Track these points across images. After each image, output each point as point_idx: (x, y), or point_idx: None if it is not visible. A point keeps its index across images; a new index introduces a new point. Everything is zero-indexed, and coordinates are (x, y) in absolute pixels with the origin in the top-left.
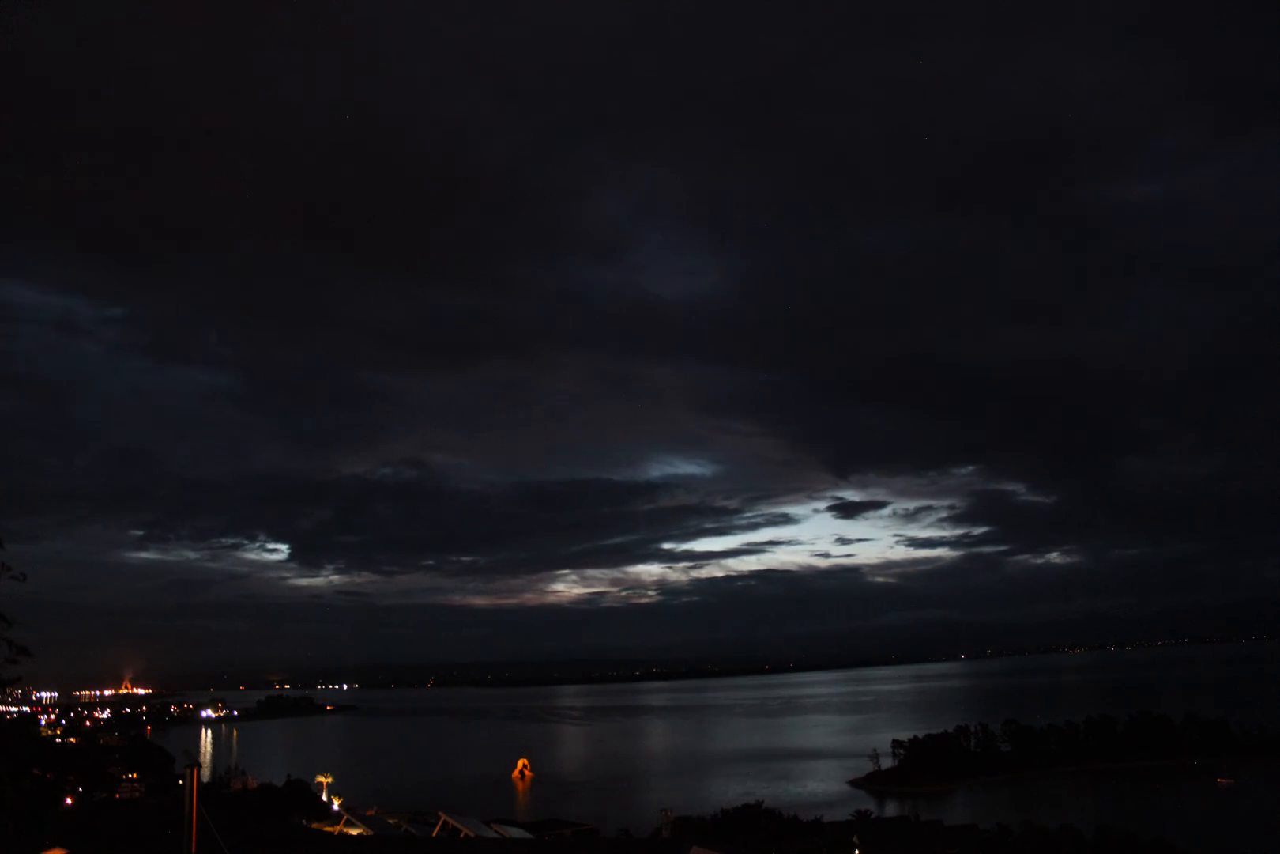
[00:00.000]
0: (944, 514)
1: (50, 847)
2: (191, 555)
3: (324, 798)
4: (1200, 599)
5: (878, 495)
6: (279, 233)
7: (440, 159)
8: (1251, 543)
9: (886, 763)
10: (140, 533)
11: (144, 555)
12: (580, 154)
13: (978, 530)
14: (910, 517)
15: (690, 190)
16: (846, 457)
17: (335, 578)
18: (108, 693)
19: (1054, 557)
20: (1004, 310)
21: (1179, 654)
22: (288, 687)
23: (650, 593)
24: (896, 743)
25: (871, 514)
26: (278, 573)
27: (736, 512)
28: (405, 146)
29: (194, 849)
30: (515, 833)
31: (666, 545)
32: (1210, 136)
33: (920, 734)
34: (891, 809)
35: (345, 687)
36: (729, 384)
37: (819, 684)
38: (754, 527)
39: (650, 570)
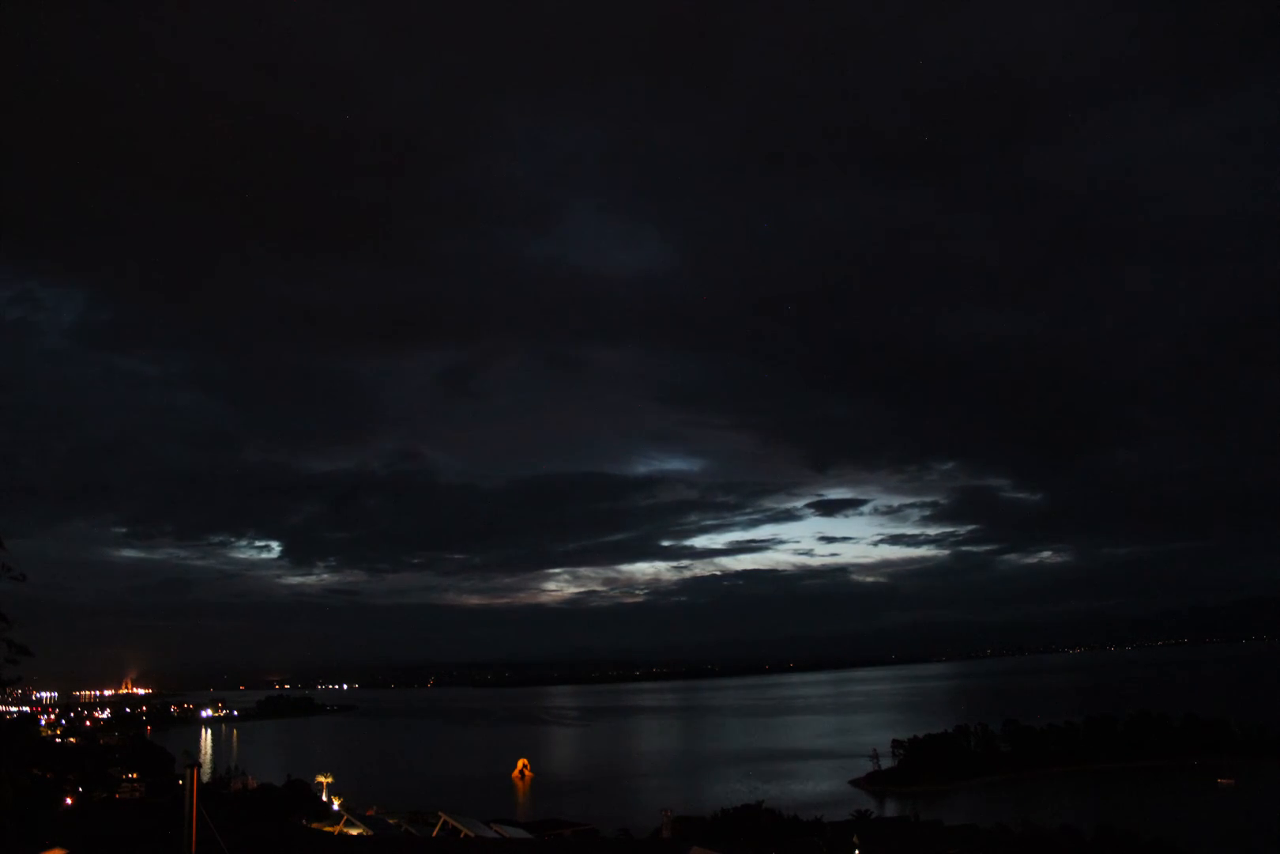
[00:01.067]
0: (928, 512)
1: (50, 847)
2: (178, 553)
3: (324, 798)
4: (1200, 599)
5: (857, 492)
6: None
7: (334, 117)
8: (1250, 541)
9: (886, 763)
10: (123, 530)
11: (128, 553)
12: (485, 111)
13: (963, 529)
14: (893, 514)
15: (614, 151)
16: (823, 451)
17: (327, 576)
18: (108, 693)
19: (1046, 556)
20: (973, 291)
21: (1179, 654)
22: (288, 687)
23: (639, 592)
24: (896, 743)
25: (851, 512)
26: (269, 571)
27: (726, 510)
28: (298, 104)
29: (194, 849)
30: (515, 833)
31: (661, 543)
32: (1181, 97)
33: (920, 734)
34: (891, 809)
35: (345, 687)
36: (689, 372)
37: (819, 684)
38: (742, 525)
39: (644, 569)
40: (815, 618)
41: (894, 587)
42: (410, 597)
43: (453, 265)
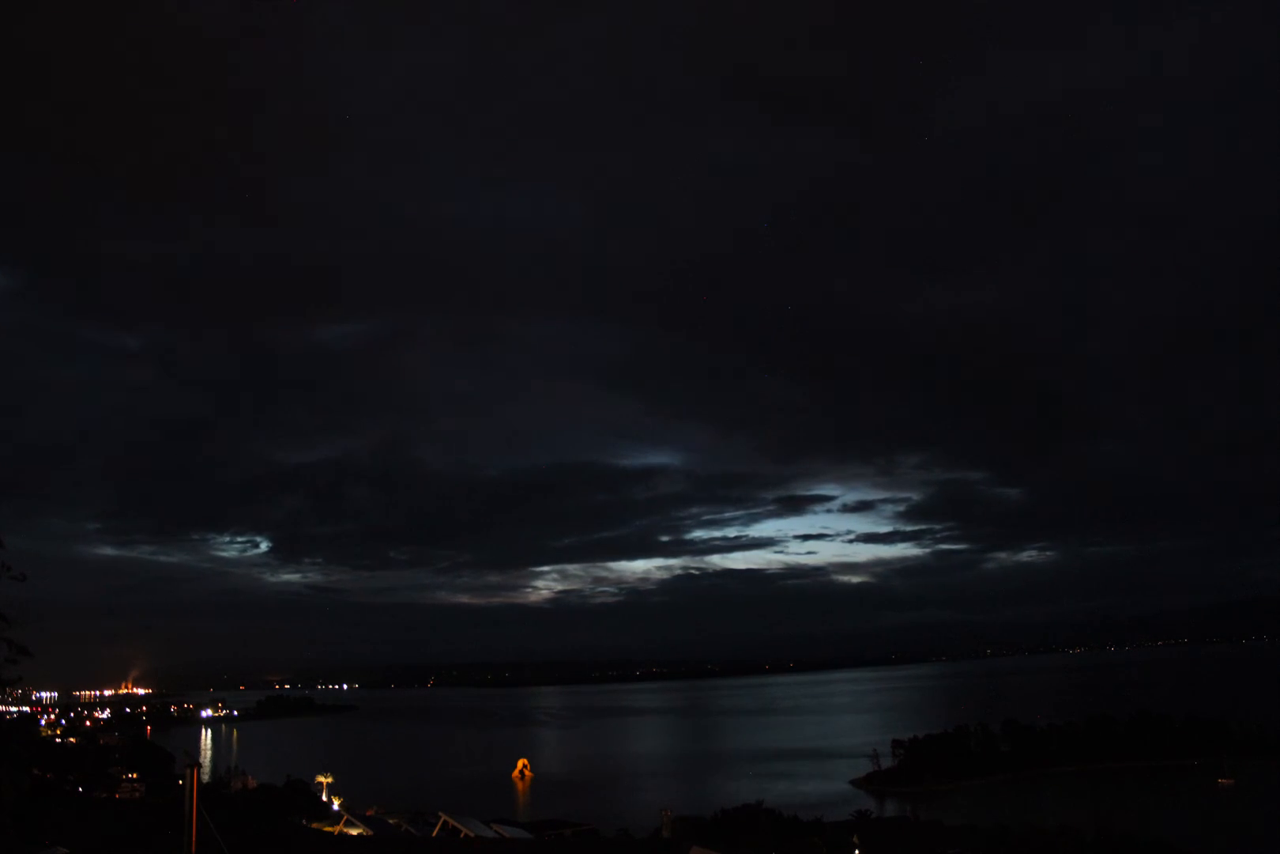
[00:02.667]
0: (900, 508)
1: (50, 847)
2: (157, 550)
3: (324, 798)
4: (1200, 599)
5: (823, 488)
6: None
7: (140, 53)
8: (1247, 538)
9: (886, 763)
10: (96, 526)
11: (104, 551)
12: (308, 30)
13: (939, 526)
14: (865, 511)
15: (470, 80)
16: (782, 443)
17: (313, 575)
18: (108, 693)
19: (1033, 555)
20: (921, 259)
21: (1179, 654)
22: (288, 686)
23: (622, 591)
24: (896, 743)
25: (819, 508)
26: (254, 569)
27: (695, 505)
28: (103, 44)
29: (194, 849)
30: (515, 833)
31: (650, 540)
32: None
33: (920, 734)
34: (891, 809)
35: (345, 687)
36: (620, 352)
37: (819, 684)
38: (720, 523)
39: (636, 567)
40: (814, 618)
41: (886, 586)
42: (401, 595)
43: (303, 218)
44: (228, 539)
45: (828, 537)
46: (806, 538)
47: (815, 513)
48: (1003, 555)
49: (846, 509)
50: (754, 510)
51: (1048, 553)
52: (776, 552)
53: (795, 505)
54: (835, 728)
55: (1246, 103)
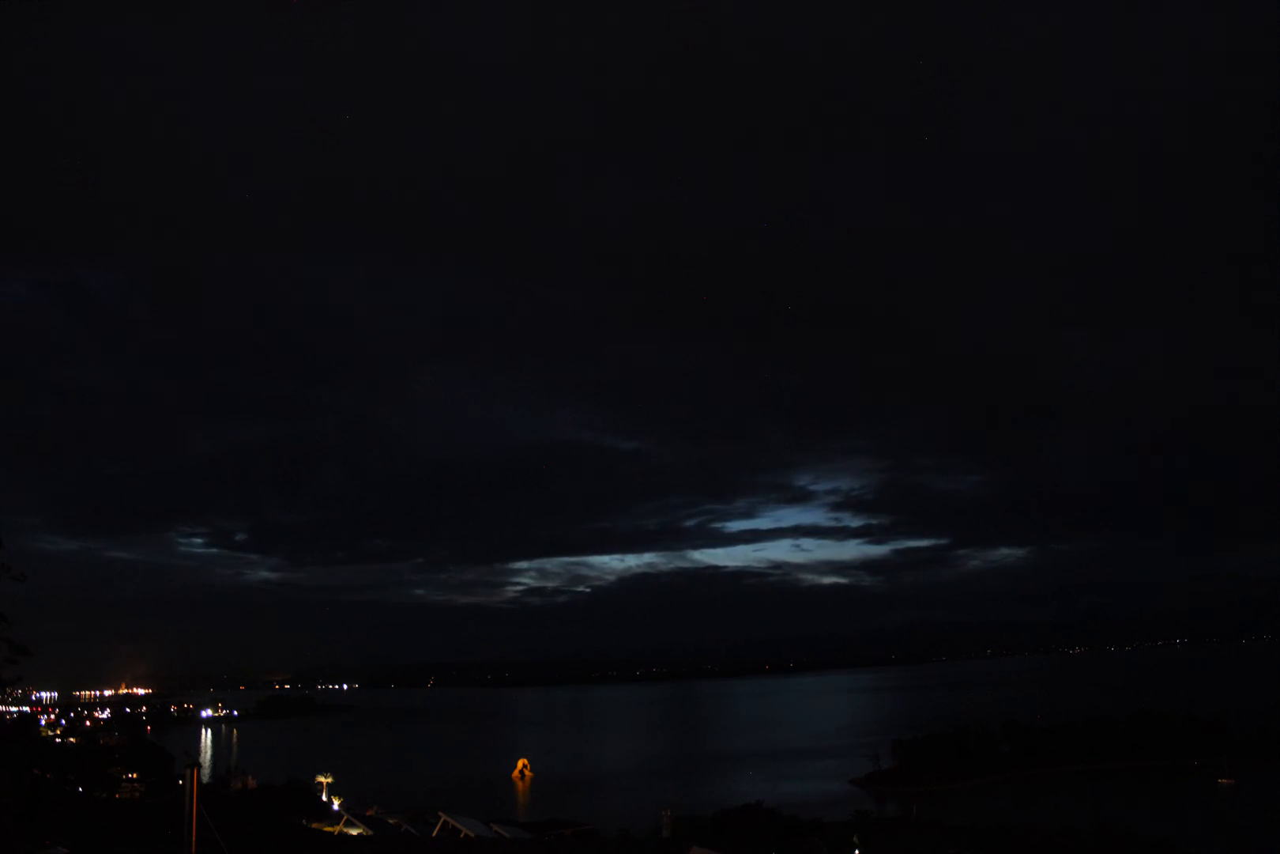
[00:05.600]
0: (839, 499)
1: (50, 847)
2: (112, 544)
3: (324, 798)
4: (1200, 599)
5: (757, 476)
6: None
7: None
8: (1242, 535)
9: (886, 763)
10: (36, 519)
11: (57, 546)
12: None
13: (892, 519)
14: (803, 502)
15: None
16: (694, 422)
17: (302, 573)
18: (108, 693)
19: (1009, 551)
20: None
21: (1179, 654)
22: (288, 687)
23: (586, 587)
24: (897, 743)
25: (749, 497)
26: (231, 565)
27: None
28: None
29: (194, 849)
30: (515, 833)
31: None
32: None
33: (920, 734)
34: (891, 809)
35: (345, 687)
36: (474, 303)
37: (819, 684)
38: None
39: (617, 564)
40: (794, 619)
41: (860, 586)
42: (390, 592)
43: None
44: (188, 530)
45: (775, 532)
46: (758, 534)
47: (751, 504)
48: (983, 553)
49: (785, 500)
50: (705, 505)
51: (1020, 551)
52: (729, 548)
53: (721, 495)
54: (836, 728)
55: None
